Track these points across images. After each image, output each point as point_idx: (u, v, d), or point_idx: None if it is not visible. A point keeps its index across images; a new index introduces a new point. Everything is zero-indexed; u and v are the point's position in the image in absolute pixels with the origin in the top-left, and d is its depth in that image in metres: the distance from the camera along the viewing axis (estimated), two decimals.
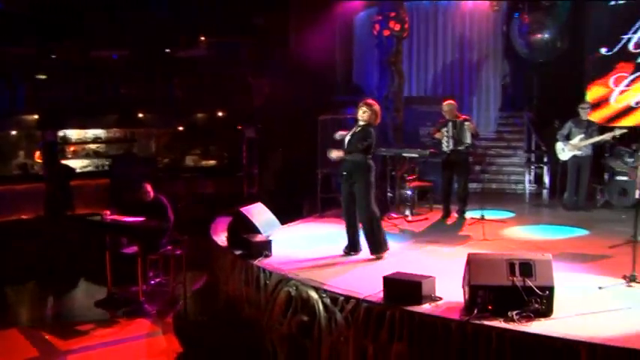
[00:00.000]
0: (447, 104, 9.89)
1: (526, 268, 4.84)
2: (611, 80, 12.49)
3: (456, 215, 9.84)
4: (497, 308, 4.75)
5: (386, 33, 12.43)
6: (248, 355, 6.43)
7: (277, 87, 14.37)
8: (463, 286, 5.13)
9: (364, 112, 7.01)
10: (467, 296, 4.92)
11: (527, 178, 12.49)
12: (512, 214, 10.18)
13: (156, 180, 9.76)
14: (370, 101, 7.21)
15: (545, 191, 11.98)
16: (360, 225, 7.10)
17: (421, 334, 4.92)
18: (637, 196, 6.53)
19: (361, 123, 7.03)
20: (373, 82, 14.84)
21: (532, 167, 12.87)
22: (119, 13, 13.79)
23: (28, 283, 10.02)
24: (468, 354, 4.68)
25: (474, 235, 8.38)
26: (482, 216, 9.21)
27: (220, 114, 16.58)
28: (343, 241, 7.38)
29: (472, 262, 4.90)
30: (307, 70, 14.41)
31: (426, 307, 5.07)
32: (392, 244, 7.72)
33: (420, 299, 5.08)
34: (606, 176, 11.06)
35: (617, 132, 10.20)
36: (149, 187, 8.68)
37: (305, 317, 5.77)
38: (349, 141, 7.00)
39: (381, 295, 5.31)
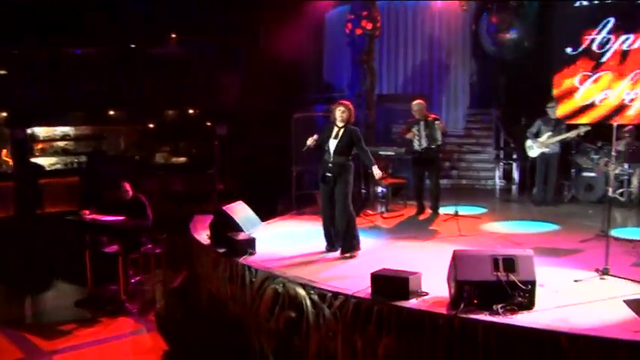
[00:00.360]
0: (417, 104, 10.09)
1: (509, 263, 5.05)
2: (576, 78, 12.88)
3: (429, 211, 10.07)
4: (482, 302, 4.94)
5: (358, 32, 12.62)
6: (235, 352, 6.52)
7: (248, 84, 14.44)
8: (448, 282, 5.31)
9: (343, 112, 7.13)
10: (453, 291, 5.10)
11: (497, 174, 12.75)
12: (484, 210, 10.43)
13: (132, 178, 9.73)
14: (345, 101, 7.36)
15: (514, 187, 12.26)
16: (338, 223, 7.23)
17: (409, 328, 5.09)
18: (610, 193, 6.79)
19: (340, 124, 7.13)
20: (344, 80, 15.04)
21: (501, 163, 13.16)
22: (90, 10, 13.69)
23: (3, 283, 9.92)
24: (455, 347, 4.87)
25: (449, 231, 8.59)
26: (457, 212, 9.47)
27: (191, 111, 16.58)
28: (323, 238, 7.52)
29: (458, 259, 5.09)
30: (278, 68, 14.52)
31: (413, 302, 5.24)
32: (370, 240, 7.93)
33: (407, 294, 5.26)
34: (573, 172, 11.40)
35: (582, 130, 10.52)
36: (128, 186, 8.72)
37: (292, 313, 5.90)
38: (338, 144, 7.08)
39: (369, 291, 5.47)
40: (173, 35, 15.17)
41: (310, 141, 7.22)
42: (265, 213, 10.47)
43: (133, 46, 15.58)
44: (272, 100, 14.21)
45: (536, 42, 13.51)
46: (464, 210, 9.81)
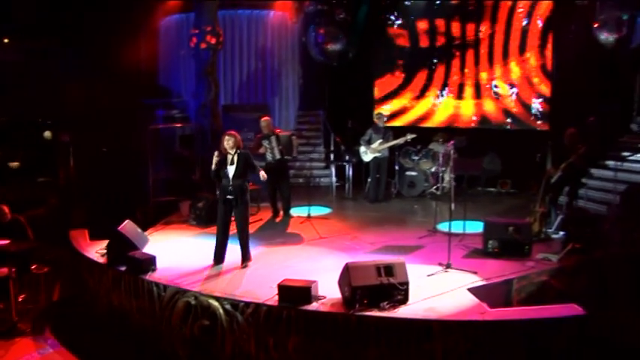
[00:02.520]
0: (264, 121, 11.29)
1: (389, 270, 6.52)
2: (398, 91, 15.02)
3: (282, 213, 11.35)
4: (371, 302, 6.35)
5: (203, 46, 13.48)
6: (147, 357, 7.35)
7: (91, 90, 14.57)
8: (340, 286, 6.65)
9: (228, 141, 8.12)
10: (347, 294, 6.44)
11: (332, 172, 14.20)
12: (329, 210, 11.93)
13: None
14: (231, 131, 8.35)
15: (347, 185, 13.80)
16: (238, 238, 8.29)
17: (315, 328, 6.36)
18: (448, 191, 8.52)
19: (232, 151, 8.12)
20: (181, 86, 15.86)
21: (333, 163, 14.67)
22: None
23: None
24: (353, 339, 6.23)
25: (310, 234, 9.92)
26: (309, 214, 10.87)
27: (28, 117, 16.23)
28: (208, 249, 8.49)
29: (351, 269, 6.45)
30: (120, 73, 14.76)
31: (315, 305, 6.52)
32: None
33: (310, 299, 6.52)
34: (397, 171, 13.30)
35: (409, 137, 12.36)
36: (7, 209, 8.99)
37: (207, 321, 6.90)
38: (235, 169, 8.04)
39: (276, 298, 6.65)
40: (6, 40, 14.79)
41: (215, 158, 8.10)
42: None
43: None
44: (115, 105, 14.45)
45: (359, 53, 15.32)
46: (313, 210, 11.16)
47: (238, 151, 8.15)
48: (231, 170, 8.06)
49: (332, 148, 14.64)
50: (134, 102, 14.82)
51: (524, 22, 13.48)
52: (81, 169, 14.65)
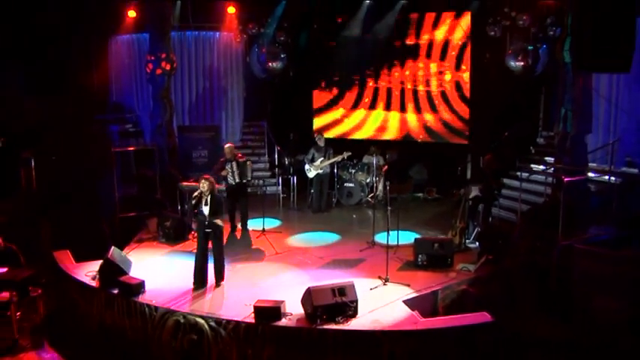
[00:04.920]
0: (227, 147, 12.75)
1: (342, 290, 8.21)
2: (333, 106, 16.71)
3: (240, 227, 12.84)
4: (329, 317, 8.02)
5: (158, 72, 14.74)
6: None
7: (52, 107, 15.34)
8: (304, 305, 8.27)
9: (204, 184, 9.57)
10: (310, 311, 8.08)
11: (280, 183, 15.67)
12: (280, 222, 13.49)
13: None
14: (206, 175, 9.77)
15: (292, 195, 15.32)
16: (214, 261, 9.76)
17: (284, 340, 7.99)
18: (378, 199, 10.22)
19: (207, 193, 9.57)
20: (133, 101, 17.01)
21: (278, 174, 16.12)
22: None
23: None
24: (316, 348, 7.88)
25: (267, 249, 11.46)
26: (264, 229, 12.40)
27: None
28: (182, 268, 9.97)
29: (312, 292, 8.10)
30: (77, 90, 15.67)
31: (284, 321, 8.14)
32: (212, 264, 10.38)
33: (280, 317, 8.14)
34: (336, 183, 14.99)
35: (346, 154, 14.09)
36: (0, 239, 10.16)
37: (194, 336, 8.40)
38: (210, 209, 9.50)
39: (253, 316, 8.22)
40: None
41: (194, 200, 9.55)
42: (92, 236, 12.30)
43: None
44: (70, 121, 15.28)
45: (299, 71, 16.90)
46: (266, 223, 12.62)
47: (211, 193, 9.58)
48: (206, 210, 9.53)
49: (277, 161, 16.10)
50: (89, 117, 15.78)
51: (449, 51, 15.44)
52: (40, 182, 15.46)
